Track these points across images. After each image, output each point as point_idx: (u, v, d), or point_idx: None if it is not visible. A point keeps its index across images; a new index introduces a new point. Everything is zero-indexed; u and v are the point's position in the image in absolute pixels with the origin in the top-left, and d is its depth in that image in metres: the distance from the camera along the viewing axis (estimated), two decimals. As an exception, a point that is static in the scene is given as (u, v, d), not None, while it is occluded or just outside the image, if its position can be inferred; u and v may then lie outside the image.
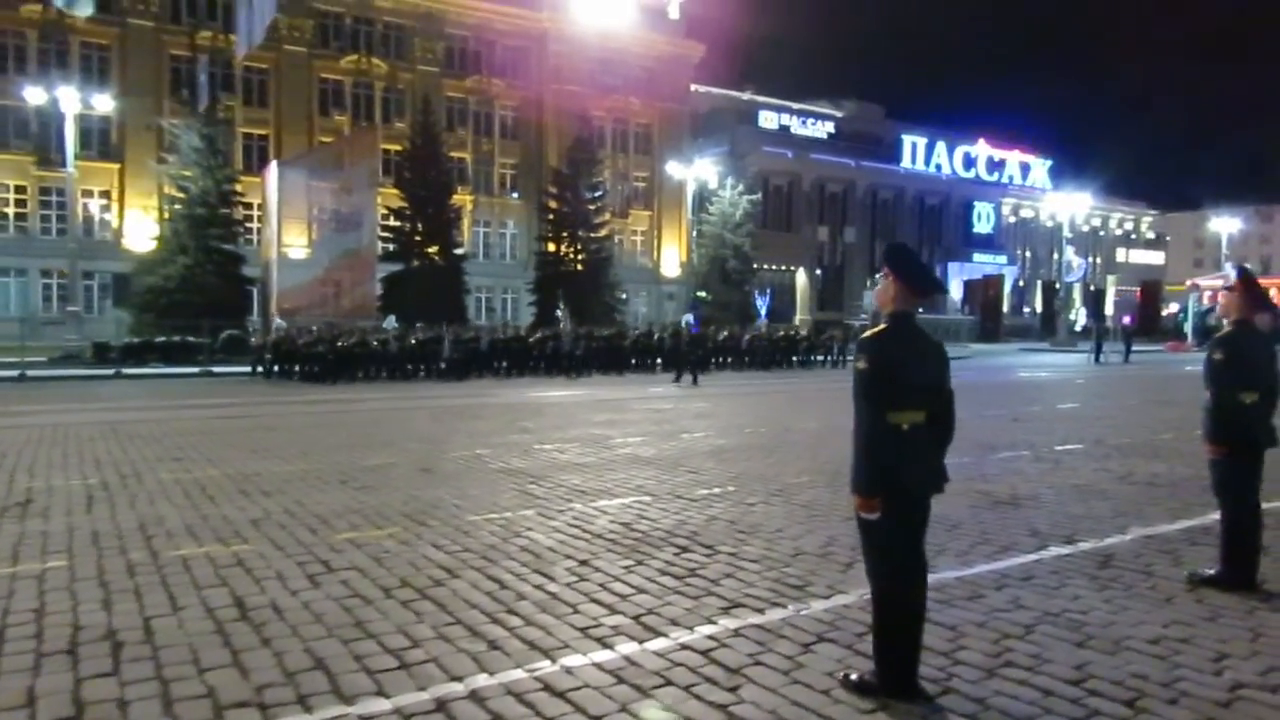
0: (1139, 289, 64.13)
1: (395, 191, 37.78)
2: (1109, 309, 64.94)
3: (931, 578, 4.82)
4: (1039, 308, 65.84)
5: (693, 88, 54.51)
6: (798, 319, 58.50)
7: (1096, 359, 33.14)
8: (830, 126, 63.37)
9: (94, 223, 39.49)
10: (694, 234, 45.76)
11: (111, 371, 24.50)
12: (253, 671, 3.59)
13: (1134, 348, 35.75)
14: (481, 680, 3.53)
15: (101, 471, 8.26)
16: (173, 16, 39.89)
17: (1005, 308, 65.07)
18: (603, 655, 3.80)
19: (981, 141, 68.09)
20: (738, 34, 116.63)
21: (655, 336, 27.24)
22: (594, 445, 10.28)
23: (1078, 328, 58.58)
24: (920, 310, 3.47)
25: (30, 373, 23.61)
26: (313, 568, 5.12)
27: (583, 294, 38.16)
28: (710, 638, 4.01)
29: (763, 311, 50.96)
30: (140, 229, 37.56)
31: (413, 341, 23.76)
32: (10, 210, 38.22)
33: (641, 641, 3.96)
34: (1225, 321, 4.87)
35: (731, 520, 6.36)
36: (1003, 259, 69.30)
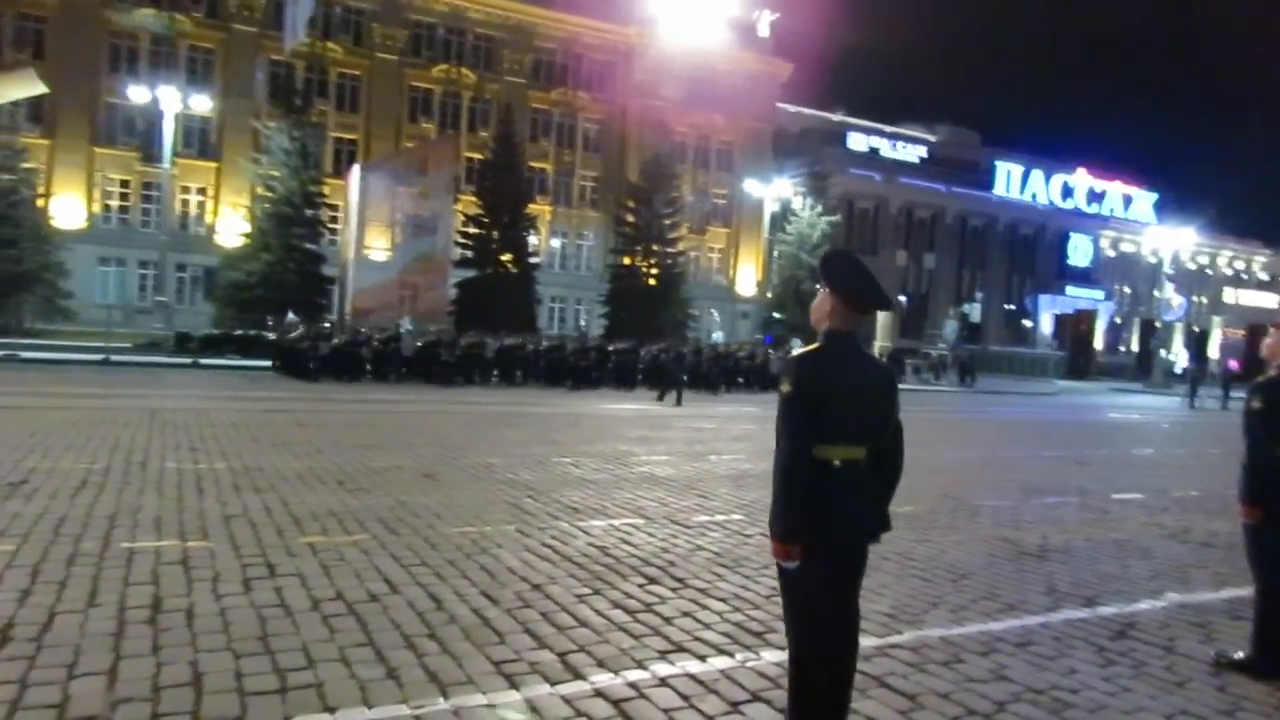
0: (1245, 331, 60.41)
1: (474, 199, 38.31)
2: (1213, 352, 61.48)
3: (911, 635, 4.33)
4: (1135, 346, 62.69)
5: (779, 106, 53.90)
6: (877, 345, 57.07)
7: (1191, 404, 31.21)
8: (922, 151, 61.85)
9: (189, 218, 41.18)
10: (772, 254, 45.08)
11: (189, 361, 25.27)
12: (122, 682, 3.34)
13: (1234, 394, 33.52)
14: (354, 715, 3.19)
15: (111, 457, 8.30)
16: (275, 23, 41.43)
17: (1098, 344, 62.22)
18: (502, 696, 3.42)
19: (1082, 171, 65.46)
20: (828, 54, 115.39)
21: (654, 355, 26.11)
22: (613, 461, 9.91)
23: (1176, 369, 55.46)
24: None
25: (114, 358, 24.54)
26: (255, 570, 4.89)
27: (654, 309, 37.98)
28: (631, 685, 3.59)
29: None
30: (231, 225, 38.98)
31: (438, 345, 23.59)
32: (115, 202, 40.16)
33: (554, 683, 3.57)
34: (1272, 367, 4.22)
35: (718, 552, 5.90)
36: (1099, 294, 66.32)
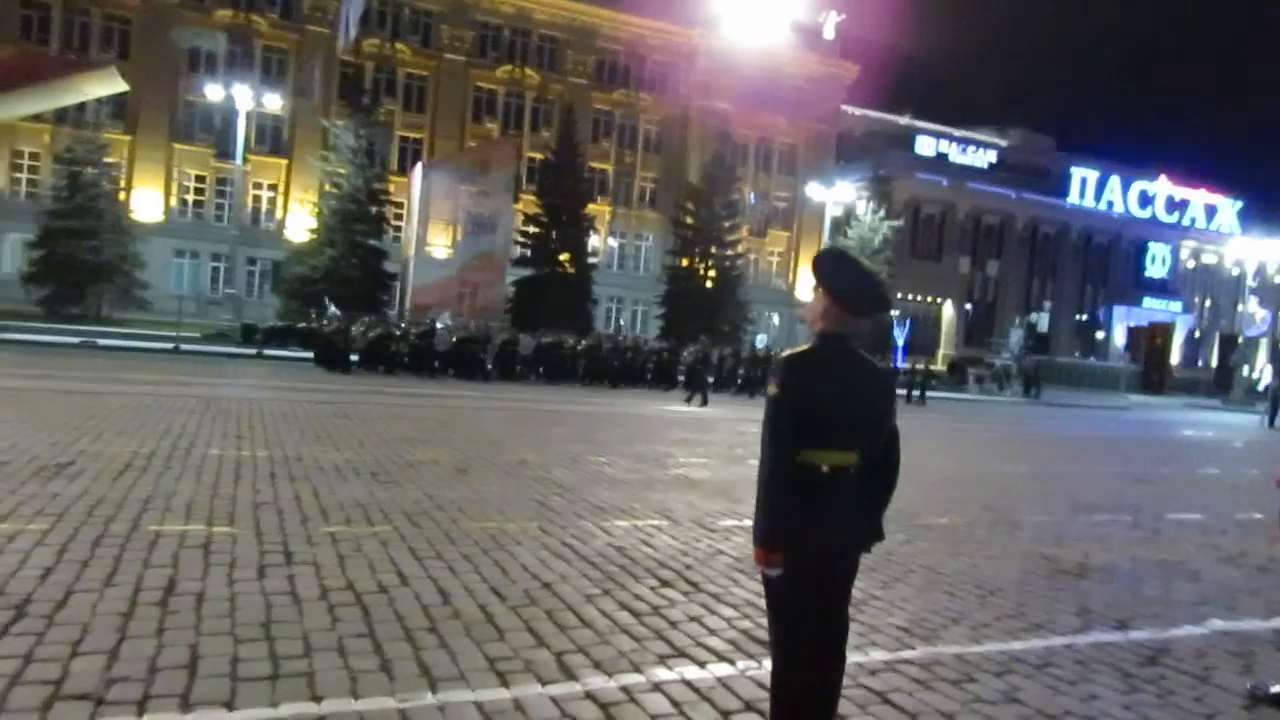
0: (1335, 349, 57.54)
1: (535, 198, 38.66)
2: (1299, 369, 58.71)
3: (924, 651, 4.18)
4: (1214, 361, 60.22)
5: (843, 109, 53.21)
6: (941, 353, 55.91)
7: (1271, 422, 29.81)
8: (992, 155, 60.33)
9: (261, 213, 42.40)
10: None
11: (254, 352, 25.99)
12: (121, 661, 3.40)
13: (1318, 413, 31.88)
14: (340, 705, 3.19)
15: (159, 442, 8.54)
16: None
17: (1174, 359, 59.95)
18: (492, 694, 3.39)
19: (1163, 179, 63.08)
20: (895, 56, 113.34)
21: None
22: (649, 462, 9.85)
23: (1259, 386, 53.08)
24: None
25: (184, 347, 25.37)
26: (273, 558, 4.96)
27: (710, 311, 37.79)
28: (624, 689, 3.53)
29: (899, 342, 49.09)
30: (300, 221, 40.00)
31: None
32: (190, 197, 41.56)
33: (545, 683, 3.53)
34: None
35: (739, 557, 5.79)
36: (1177, 306, 63.93)
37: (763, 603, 4.78)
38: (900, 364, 45.95)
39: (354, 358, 22.75)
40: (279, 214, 42.32)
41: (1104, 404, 36.52)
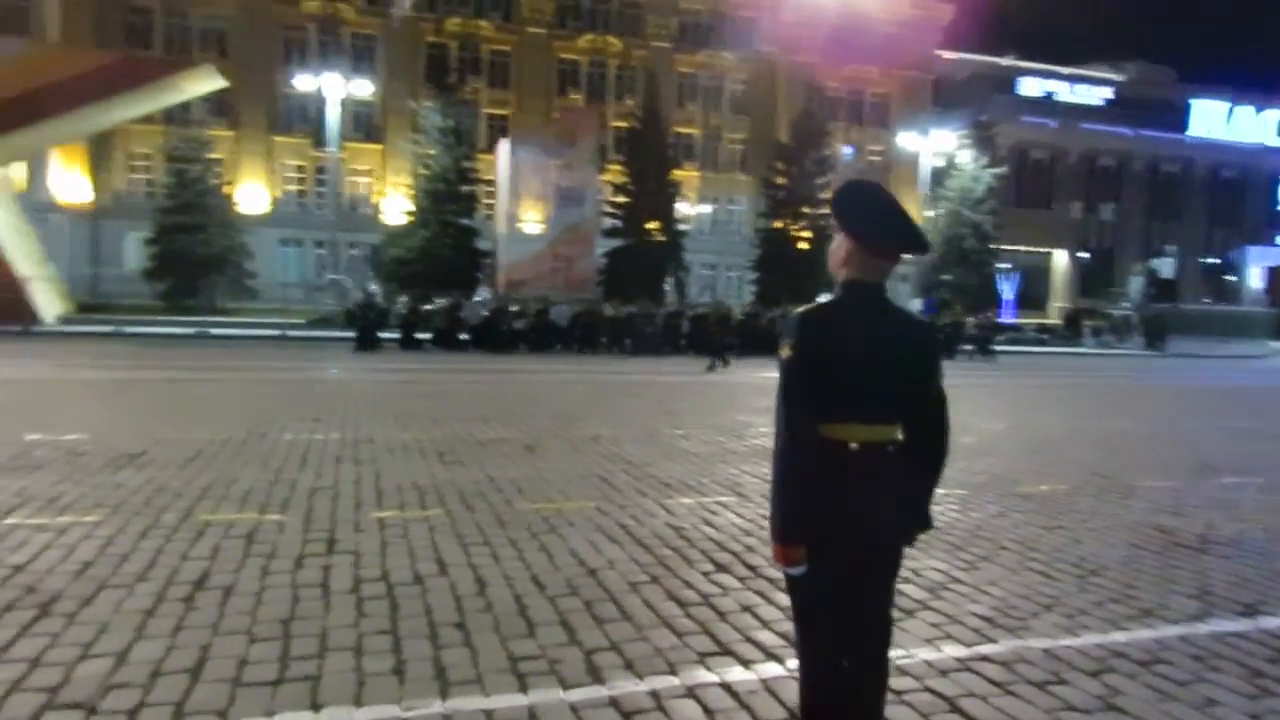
0: None
1: (620, 168, 38.28)
2: None
3: (1007, 646, 3.69)
4: (1367, 301, 55.15)
5: (939, 54, 50.65)
6: (1055, 306, 53.09)
7: None
8: (1107, 92, 56.54)
9: (358, 198, 43.47)
10: (933, 212, 42.60)
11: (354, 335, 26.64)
12: (127, 665, 3.25)
13: None
14: (341, 713, 2.95)
15: (236, 429, 8.63)
16: (429, 6, 42.82)
17: (1320, 300, 55.19)
18: (506, 700, 3.09)
19: (1300, 103, 57.83)
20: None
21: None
22: (726, 434, 9.43)
23: None
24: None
25: (289, 333, 26.27)
26: (314, 547, 4.81)
27: (805, 274, 36.73)
28: (652, 694, 3.18)
29: (1007, 296, 46.76)
30: (395, 204, 40.80)
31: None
32: (292, 187, 42.94)
33: (567, 687, 3.21)
34: None
35: (808, 536, 5.34)
36: (1321, 242, 58.76)
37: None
38: (1008, 319, 43.90)
39: (464, 336, 23.11)
40: (375, 198, 43.27)
41: (1239, 353, 33.87)
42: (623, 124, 41.68)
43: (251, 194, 41.20)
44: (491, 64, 44.28)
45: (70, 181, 38.84)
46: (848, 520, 2.27)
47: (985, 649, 3.67)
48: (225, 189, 36.80)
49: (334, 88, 32.69)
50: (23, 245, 25.20)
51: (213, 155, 35.37)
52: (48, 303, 25.31)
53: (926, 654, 3.59)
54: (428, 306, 24.44)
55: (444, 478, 6.72)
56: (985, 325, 27.98)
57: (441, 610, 3.94)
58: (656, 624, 3.86)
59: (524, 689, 3.18)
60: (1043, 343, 35.62)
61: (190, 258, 32.44)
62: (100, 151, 39.29)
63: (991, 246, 41.48)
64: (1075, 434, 10.35)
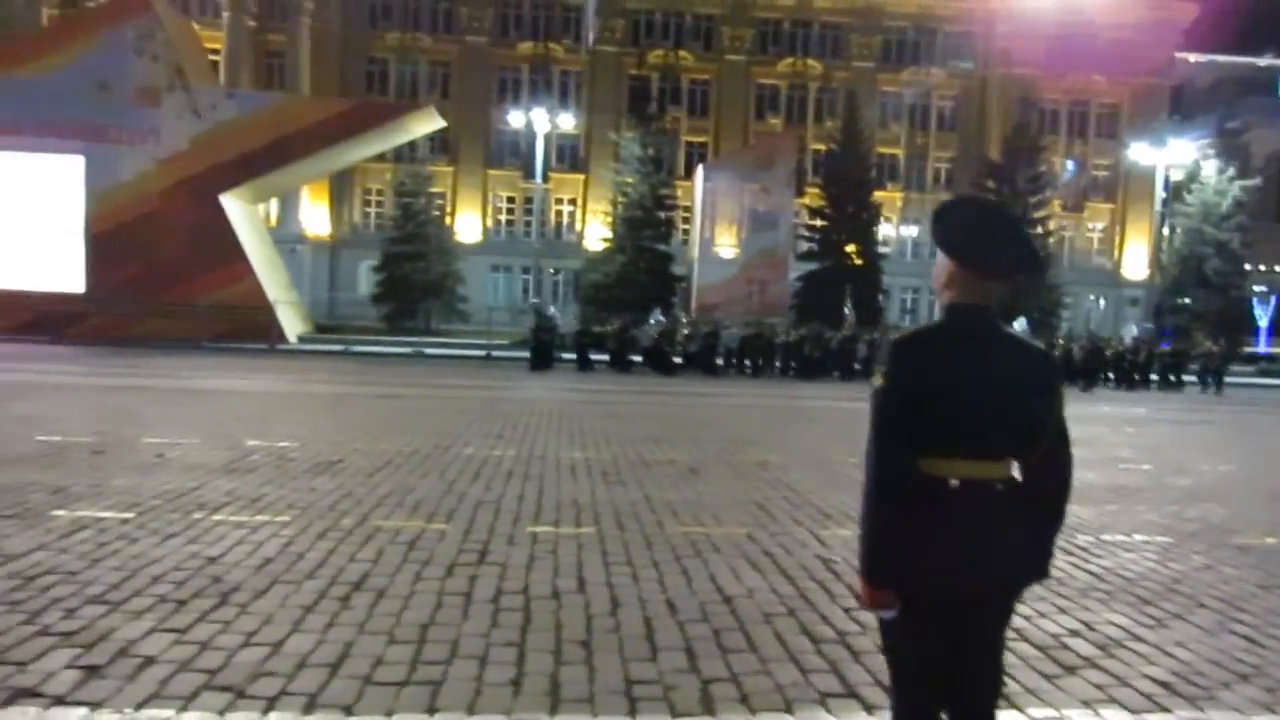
0: None
1: (819, 190, 37.76)
2: None
3: (1181, 716, 3.25)
4: None
5: (1179, 56, 46.18)
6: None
7: None
8: (1388, 89, 49.27)
9: (563, 226, 45.57)
10: (1168, 229, 38.82)
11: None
12: (279, 656, 3.53)
13: None
14: (450, 719, 3.06)
15: (423, 440, 9.22)
16: (633, 40, 44.37)
17: None
18: (613, 722, 3.09)
19: None
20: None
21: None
22: (904, 464, 8.96)
23: None
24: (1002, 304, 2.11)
25: (494, 354, 27.85)
26: (467, 556, 5.03)
27: (1012, 296, 34.51)
28: (763, 731, 3.06)
29: (1263, 322, 41.63)
30: (596, 231, 42.46)
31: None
32: (503, 217, 45.72)
33: (677, 715, 3.15)
34: None
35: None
36: None
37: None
38: (1266, 348, 38.98)
39: (637, 358, 23.59)
40: (579, 226, 45.17)
41: None
42: (822, 146, 41.15)
43: (467, 224, 44.25)
44: (691, 92, 45.15)
45: (315, 216, 43.45)
46: (945, 563, 2.08)
47: (1154, 718, 3.24)
48: (445, 220, 39.79)
49: (541, 122, 34.56)
50: (272, 273, 28.35)
51: (434, 189, 38.41)
52: (291, 324, 28.26)
53: (1081, 717, 3.22)
54: (598, 328, 25.05)
55: (603, 496, 6.84)
56: (1215, 354, 24.77)
57: (571, 627, 4.00)
58: (783, 658, 3.72)
59: (633, 712, 3.16)
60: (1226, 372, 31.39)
61: (410, 283, 35.24)
62: (341, 189, 43.67)
63: (1243, 267, 37.14)
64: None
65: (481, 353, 27.90)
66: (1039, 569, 2.21)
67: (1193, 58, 48.15)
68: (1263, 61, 51.48)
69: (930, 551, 2.08)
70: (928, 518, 2.09)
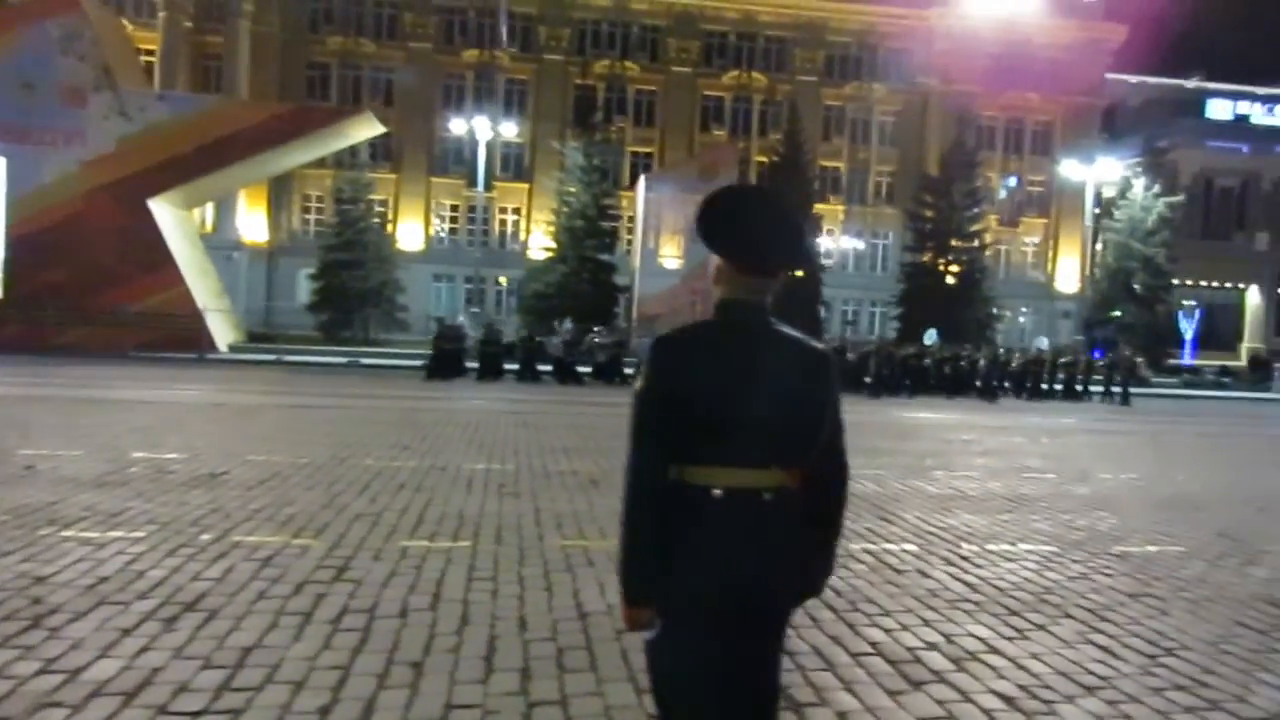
0: None
1: (760, 202, 37.98)
2: None
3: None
4: None
5: (1110, 77, 47.53)
6: (1245, 347, 48.27)
7: None
8: (1309, 113, 51.16)
9: (507, 235, 45.20)
10: (1099, 245, 39.77)
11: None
12: (76, 684, 3.28)
13: None
14: None
15: (323, 452, 8.91)
16: (579, 49, 44.28)
17: None
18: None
19: None
20: (1176, 12, 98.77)
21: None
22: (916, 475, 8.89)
23: None
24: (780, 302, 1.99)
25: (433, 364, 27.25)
26: (322, 574, 4.80)
27: (951, 309, 35.08)
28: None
29: (1188, 334, 42.84)
30: (539, 241, 42.17)
31: None
32: (446, 225, 45.21)
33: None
34: None
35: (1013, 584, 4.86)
36: None
37: (1045, 656, 3.88)
38: (1190, 360, 40.06)
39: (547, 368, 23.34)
40: (522, 235, 44.84)
41: None
42: (765, 158, 41.45)
43: (410, 232, 43.64)
44: (637, 103, 45.18)
45: (253, 222, 42.49)
46: (708, 579, 1.95)
47: (980, 738, 3.15)
48: (387, 228, 39.14)
49: (484, 130, 34.24)
50: (202, 280, 27.56)
51: (375, 196, 37.75)
52: (222, 332, 27.48)
53: (909, 738, 3.11)
54: (508, 339, 24.85)
55: (491, 509, 6.64)
56: (1122, 361, 24.45)
57: (408, 647, 3.80)
58: (622, 678, 3.56)
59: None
60: (1222, 386, 32.24)
61: (348, 292, 34.56)
62: (280, 195, 42.81)
63: (1170, 281, 38.15)
64: (1218, 490, 9.14)
65: (420, 362, 27.40)
66: (811, 584, 2.09)
67: (1123, 79, 49.55)
68: (1190, 84, 53.18)
69: (694, 565, 1.94)
70: (689, 530, 1.95)
